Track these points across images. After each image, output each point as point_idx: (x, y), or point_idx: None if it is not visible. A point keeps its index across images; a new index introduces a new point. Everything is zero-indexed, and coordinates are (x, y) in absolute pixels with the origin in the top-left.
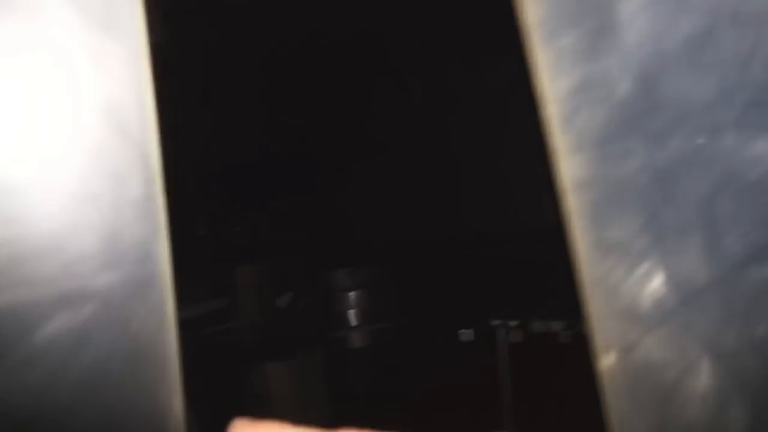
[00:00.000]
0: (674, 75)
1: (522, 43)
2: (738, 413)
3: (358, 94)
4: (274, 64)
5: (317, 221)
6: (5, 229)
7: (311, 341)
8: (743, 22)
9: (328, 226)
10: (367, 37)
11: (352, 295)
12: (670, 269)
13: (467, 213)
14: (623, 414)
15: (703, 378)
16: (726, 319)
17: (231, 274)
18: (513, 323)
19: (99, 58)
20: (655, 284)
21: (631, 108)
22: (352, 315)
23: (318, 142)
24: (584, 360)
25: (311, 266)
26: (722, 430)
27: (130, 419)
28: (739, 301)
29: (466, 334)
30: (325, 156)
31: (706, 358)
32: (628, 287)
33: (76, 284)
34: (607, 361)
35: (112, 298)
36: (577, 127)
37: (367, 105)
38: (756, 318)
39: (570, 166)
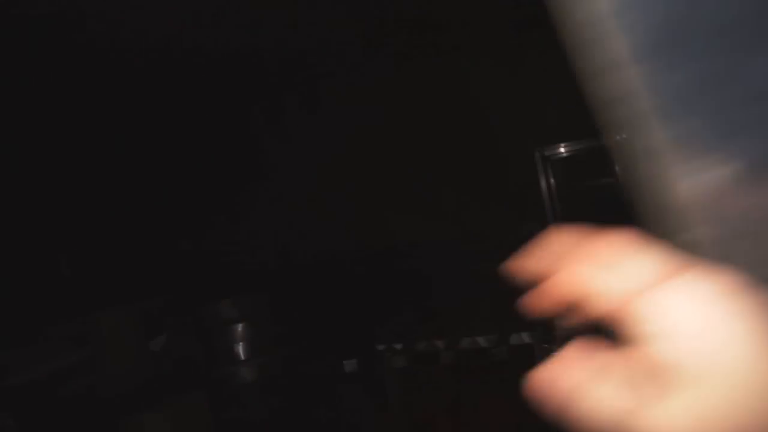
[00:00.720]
0: None
1: None
2: None
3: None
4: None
5: (190, 256)
6: None
7: (193, 383)
8: None
9: (202, 259)
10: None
11: (235, 327)
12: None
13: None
14: None
15: None
16: None
17: (92, 321)
18: (397, 346)
19: None
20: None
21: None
22: (237, 349)
23: (189, 174)
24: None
25: (187, 303)
26: None
27: None
28: None
29: (350, 365)
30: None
31: None
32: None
33: None
34: None
35: None
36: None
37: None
38: None
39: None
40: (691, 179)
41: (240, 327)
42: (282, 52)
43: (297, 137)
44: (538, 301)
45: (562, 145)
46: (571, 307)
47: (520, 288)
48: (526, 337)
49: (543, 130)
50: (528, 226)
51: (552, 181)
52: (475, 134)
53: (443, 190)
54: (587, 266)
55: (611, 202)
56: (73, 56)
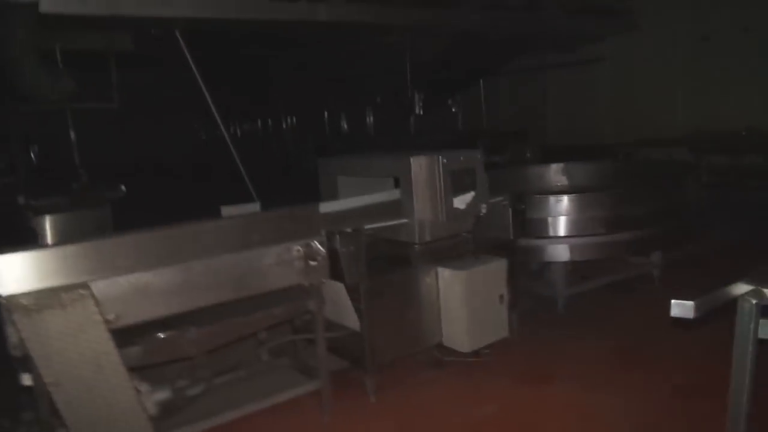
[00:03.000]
0: None
1: None
2: None
3: None
4: None
5: None
6: None
7: (498, 248)
8: None
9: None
10: None
11: (552, 198)
12: None
13: None
14: None
15: None
16: None
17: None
18: None
19: None
20: None
21: None
22: (550, 223)
23: None
24: None
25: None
26: None
27: None
28: None
29: None
30: None
31: None
32: None
33: None
34: None
35: None
36: None
37: None
38: None
39: None
40: None
41: (561, 198)
42: None
43: None
44: None
45: None
46: None
47: None
48: None
49: None
50: None
51: None
52: None
53: None
54: None
55: None
56: None
